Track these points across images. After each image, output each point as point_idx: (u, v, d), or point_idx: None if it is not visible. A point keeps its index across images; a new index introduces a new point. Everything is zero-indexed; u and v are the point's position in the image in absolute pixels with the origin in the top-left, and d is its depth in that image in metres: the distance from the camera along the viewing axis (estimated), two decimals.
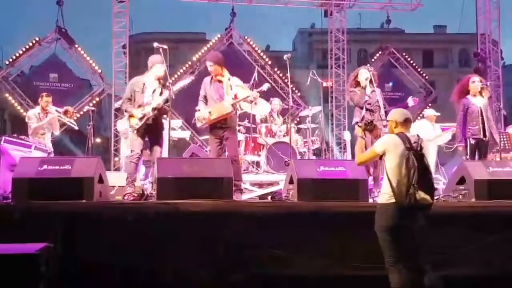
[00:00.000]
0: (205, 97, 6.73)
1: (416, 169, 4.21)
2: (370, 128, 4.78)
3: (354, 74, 7.05)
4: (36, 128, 8.50)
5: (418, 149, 4.37)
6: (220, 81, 6.63)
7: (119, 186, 6.80)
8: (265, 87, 6.90)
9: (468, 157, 7.20)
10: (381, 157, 4.55)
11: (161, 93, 6.49)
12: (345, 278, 5.09)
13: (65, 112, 8.91)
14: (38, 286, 3.47)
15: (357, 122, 6.78)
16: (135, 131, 6.49)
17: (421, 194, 4.21)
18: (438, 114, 9.92)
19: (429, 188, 4.30)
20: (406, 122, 4.55)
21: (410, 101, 7.13)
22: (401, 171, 4.26)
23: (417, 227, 4.32)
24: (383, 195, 4.41)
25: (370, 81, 6.87)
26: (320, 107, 9.81)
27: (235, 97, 6.58)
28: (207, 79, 6.80)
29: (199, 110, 6.73)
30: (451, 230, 5.19)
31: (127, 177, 6.47)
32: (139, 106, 6.46)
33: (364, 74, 6.89)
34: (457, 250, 5.24)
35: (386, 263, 4.36)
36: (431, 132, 9.38)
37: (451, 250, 5.18)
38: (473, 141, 7.20)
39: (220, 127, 6.54)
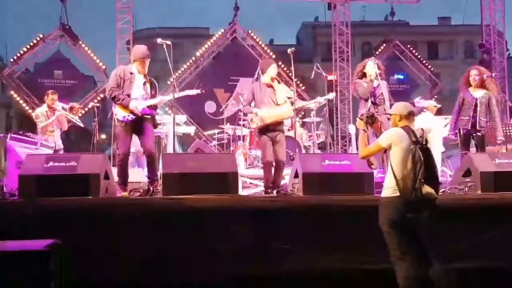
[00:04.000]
0: (251, 103, 6.71)
1: (423, 163, 4.20)
2: (372, 121, 4.77)
3: (361, 65, 7.02)
4: (44, 126, 8.56)
5: (424, 143, 4.36)
6: (270, 86, 6.63)
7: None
8: (331, 96, 6.88)
9: (460, 148, 7.24)
10: (385, 150, 4.54)
11: (151, 87, 6.32)
12: (351, 271, 5.09)
13: (71, 109, 8.95)
14: (48, 282, 3.49)
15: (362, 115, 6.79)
16: (123, 125, 6.14)
17: (426, 188, 4.22)
18: (439, 105, 9.80)
19: (435, 182, 4.31)
20: (410, 116, 4.53)
21: (419, 101, 7.11)
22: (406, 165, 4.24)
23: (422, 220, 4.32)
24: (387, 189, 4.40)
25: (377, 74, 6.86)
26: (324, 101, 9.77)
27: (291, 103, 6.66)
28: (255, 84, 6.81)
29: (253, 113, 6.65)
30: (457, 222, 5.17)
31: (118, 178, 6.17)
32: (127, 95, 6.14)
33: (372, 66, 6.88)
34: (463, 242, 5.23)
35: (391, 257, 4.36)
36: (435, 124, 9.32)
37: (457, 243, 5.17)
38: (462, 132, 7.24)
39: (273, 129, 6.53)
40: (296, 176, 6.08)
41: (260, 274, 5.07)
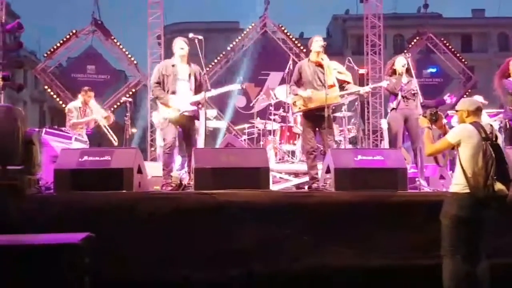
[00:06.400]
0: (297, 82, 6.46)
1: (494, 160, 4.13)
2: (435, 118, 4.69)
3: (391, 62, 6.96)
4: (75, 123, 8.55)
5: (494, 139, 4.28)
6: (319, 65, 6.37)
7: (157, 176, 6.84)
8: (384, 83, 6.79)
9: (506, 142, 7.02)
10: (453, 147, 4.44)
11: (195, 78, 6.33)
12: (384, 268, 5.02)
13: (106, 117, 8.90)
14: (82, 275, 3.53)
15: (393, 109, 6.71)
16: (167, 121, 6.30)
17: (498, 185, 4.14)
18: (486, 102, 9.54)
19: (506, 179, 4.21)
20: (478, 111, 4.44)
21: (448, 99, 6.98)
22: (477, 162, 4.18)
23: (486, 218, 4.25)
24: (457, 185, 4.32)
25: (407, 70, 6.77)
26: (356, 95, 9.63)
27: (341, 86, 6.37)
28: (303, 63, 6.54)
29: (296, 95, 6.39)
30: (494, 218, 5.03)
31: (163, 168, 6.34)
32: (173, 92, 6.24)
33: (401, 61, 6.80)
34: (503, 238, 5.09)
35: (442, 250, 4.31)
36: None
37: (495, 238, 5.03)
38: (509, 125, 7.03)
39: (319, 115, 6.26)
40: (328, 171, 6.01)
41: (291, 269, 5.03)
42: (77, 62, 16.08)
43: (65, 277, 3.49)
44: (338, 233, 5.16)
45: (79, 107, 8.65)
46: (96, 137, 9.30)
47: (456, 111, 4.56)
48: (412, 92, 6.67)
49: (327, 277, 5.04)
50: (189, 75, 6.34)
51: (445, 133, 4.60)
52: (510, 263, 4.99)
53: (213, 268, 4.97)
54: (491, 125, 4.42)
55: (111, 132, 8.91)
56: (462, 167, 4.26)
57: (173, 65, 6.32)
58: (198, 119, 6.63)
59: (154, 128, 12.36)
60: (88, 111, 8.69)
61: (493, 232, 4.66)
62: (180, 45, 6.31)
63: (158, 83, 6.32)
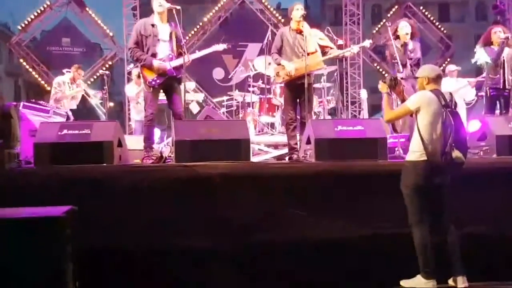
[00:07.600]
0: (280, 49, 6.38)
1: (453, 127, 4.17)
2: (395, 84, 4.70)
3: (393, 28, 6.73)
4: (63, 96, 8.43)
5: (453, 107, 4.32)
6: (299, 32, 6.29)
7: (136, 150, 6.80)
8: (367, 43, 6.67)
9: (485, 111, 7.10)
10: (411, 114, 4.48)
11: (177, 38, 6.03)
12: (365, 238, 5.08)
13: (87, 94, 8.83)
14: (65, 249, 3.54)
15: (402, 79, 6.50)
16: (151, 90, 6.04)
17: (456, 153, 4.20)
18: (459, 68, 9.57)
19: (464, 147, 4.29)
20: (438, 79, 4.46)
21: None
22: (436, 129, 4.23)
23: (445, 185, 4.32)
24: (414, 153, 4.37)
25: (412, 34, 6.64)
26: (335, 66, 9.66)
27: (324, 52, 6.35)
28: (284, 30, 6.45)
29: (279, 64, 6.32)
30: (471, 187, 5.14)
31: (144, 141, 6.22)
32: (153, 55, 5.96)
33: (405, 28, 6.67)
34: (477, 207, 5.21)
35: (410, 220, 4.38)
36: (455, 87, 9.11)
37: (471, 207, 5.15)
38: (490, 93, 7.09)
39: (301, 83, 6.19)
40: (308, 142, 6.04)
41: (271, 241, 5.08)
42: (52, 35, 15.79)
43: (48, 250, 3.49)
44: (319, 203, 5.20)
45: (68, 82, 8.54)
46: (74, 111, 9.16)
47: (416, 78, 4.58)
48: (418, 58, 6.59)
49: (312, 248, 5.10)
50: (170, 35, 6.05)
51: (403, 100, 4.64)
52: (480, 232, 5.08)
53: (197, 238, 4.99)
54: (450, 93, 4.47)
55: (102, 109, 8.83)
56: (420, 134, 4.30)
57: (152, 25, 5.99)
58: (181, 83, 6.38)
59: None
60: (74, 87, 8.61)
61: (460, 201, 4.78)
62: (158, 1, 6.01)
63: (137, 43, 6.02)
